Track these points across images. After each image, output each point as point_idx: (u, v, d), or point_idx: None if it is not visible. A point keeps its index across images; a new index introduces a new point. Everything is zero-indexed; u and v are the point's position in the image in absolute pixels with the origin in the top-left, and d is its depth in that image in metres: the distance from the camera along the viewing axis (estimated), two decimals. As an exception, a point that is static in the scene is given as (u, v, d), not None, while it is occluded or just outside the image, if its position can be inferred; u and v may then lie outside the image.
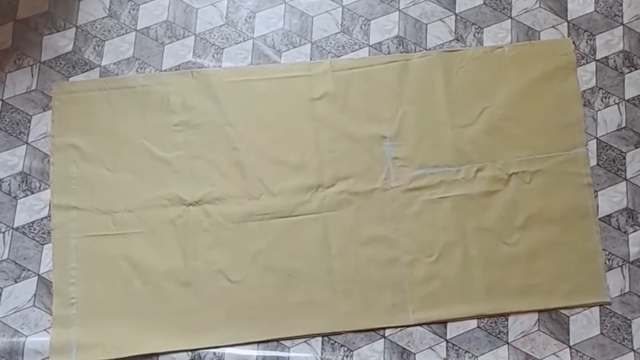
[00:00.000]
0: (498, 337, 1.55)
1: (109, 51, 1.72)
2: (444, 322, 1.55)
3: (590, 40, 1.75)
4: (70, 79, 1.69)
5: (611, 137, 1.68)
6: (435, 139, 1.65)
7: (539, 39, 1.74)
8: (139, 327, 1.53)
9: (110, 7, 1.75)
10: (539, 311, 1.56)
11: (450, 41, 1.74)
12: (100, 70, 1.70)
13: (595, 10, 1.77)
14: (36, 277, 1.57)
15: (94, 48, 1.72)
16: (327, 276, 1.56)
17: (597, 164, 1.66)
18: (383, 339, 1.55)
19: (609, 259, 1.60)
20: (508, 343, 1.55)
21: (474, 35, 1.75)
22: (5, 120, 1.67)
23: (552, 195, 1.62)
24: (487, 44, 1.74)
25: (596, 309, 1.57)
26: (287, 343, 1.54)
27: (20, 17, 1.74)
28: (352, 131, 1.65)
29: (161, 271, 1.56)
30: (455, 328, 1.55)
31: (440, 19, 1.76)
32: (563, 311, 1.57)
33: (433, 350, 1.54)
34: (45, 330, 1.54)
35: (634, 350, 1.55)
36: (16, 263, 1.58)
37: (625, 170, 1.66)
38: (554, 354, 1.54)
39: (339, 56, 1.73)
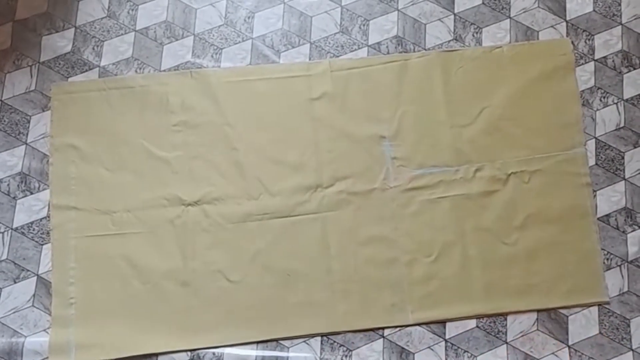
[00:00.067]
0: (497, 337, 1.55)
1: (108, 51, 1.72)
2: (443, 322, 1.56)
3: (589, 40, 1.75)
4: (69, 79, 1.69)
5: (610, 136, 1.68)
6: (434, 139, 1.65)
7: (538, 38, 1.74)
8: (138, 327, 1.53)
9: (109, 7, 1.75)
10: (538, 311, 1.56)
11: (449, 41, 1.74)
12: (99, 71, 1.70)
13: (594, 10, 1.77)
14: (35, 278, 1.57)
15: (93, 48, 1.72)
16: (326, 276, 1.56)
17: (596, 164, 1.66)
18: (382, 339, 1.55)
19: (607, 259, 1.60)
20: (507, 343, 1.55)
21: (473, 35, 1.75)
22: (5, 121, 1.66)
23: (551, 195, 1.62)
24: (486, 44, 1.74)
25: (595, 309, 1.57)
26: (286, 343, 1.54)
27: (19, 17, 1.74)
28: (351, 131, 1.65)
29: (160, 271, 1.56)
30: (454, 328, 1.55)
31: (439, 19, 1.76)
32: (562, 311, 1.57)
33: (432, 350, 1.54)
34: (44, 330, 1.54)
35: (632, 350, 1.55)
36: (15, 263, 1.58)
37: (623, 169, 1.66)
38: (552, 353, 1.54)
39: (337, 56, 1.73)
